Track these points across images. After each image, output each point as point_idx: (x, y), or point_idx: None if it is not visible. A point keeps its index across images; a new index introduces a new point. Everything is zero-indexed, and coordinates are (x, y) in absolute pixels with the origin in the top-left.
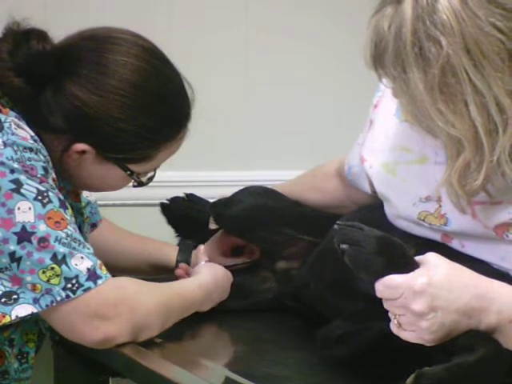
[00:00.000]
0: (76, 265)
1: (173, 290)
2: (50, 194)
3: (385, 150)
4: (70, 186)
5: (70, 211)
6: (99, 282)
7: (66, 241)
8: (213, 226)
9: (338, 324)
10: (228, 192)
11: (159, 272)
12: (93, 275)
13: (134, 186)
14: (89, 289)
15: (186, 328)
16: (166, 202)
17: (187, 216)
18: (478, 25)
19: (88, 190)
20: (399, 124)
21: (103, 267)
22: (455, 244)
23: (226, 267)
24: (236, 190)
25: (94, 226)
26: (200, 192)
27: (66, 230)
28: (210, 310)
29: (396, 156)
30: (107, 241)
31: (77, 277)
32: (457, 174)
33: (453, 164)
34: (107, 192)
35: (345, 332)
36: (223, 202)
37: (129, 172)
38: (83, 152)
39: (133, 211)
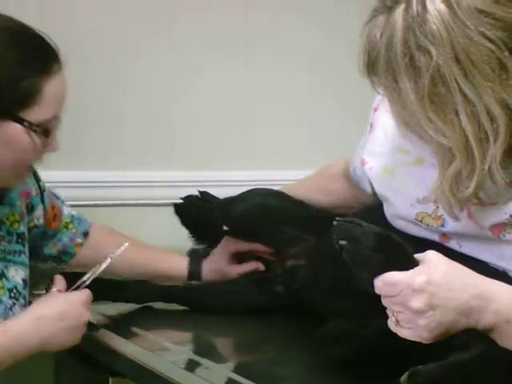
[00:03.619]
0: None
1: None
2: None
3: (384, 153)
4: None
5: None
6: None
7: None
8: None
9: (337, 323)
10: (228, 192)
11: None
12: None
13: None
14: None
15: (185, 328)
16: (179, 201)
17: (200, 217)
18: (467, 34)
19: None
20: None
21: None
22: (453, 244)
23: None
24: (236, 190)
25: (85, 235)
26: None
27: None
28: (209, 310)
29: (395, 158)
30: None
31: None
32: (448, 182)
33: (444, 172)
34: (107, 193)
35: (343, 331)
36: (228, 201)
37: (25, 123)
38: None
39: (133, 211)
